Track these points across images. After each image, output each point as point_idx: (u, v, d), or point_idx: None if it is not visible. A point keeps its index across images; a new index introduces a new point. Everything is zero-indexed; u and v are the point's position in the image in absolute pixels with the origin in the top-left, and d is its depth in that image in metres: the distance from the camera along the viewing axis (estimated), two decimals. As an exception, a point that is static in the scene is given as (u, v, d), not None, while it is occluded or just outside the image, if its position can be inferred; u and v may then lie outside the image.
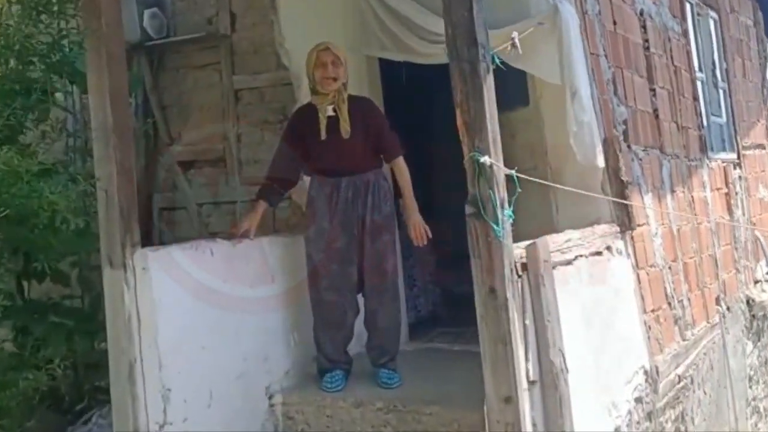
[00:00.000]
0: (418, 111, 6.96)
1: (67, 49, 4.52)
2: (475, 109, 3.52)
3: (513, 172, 3.59)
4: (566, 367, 3.70)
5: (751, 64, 9.33)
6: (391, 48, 5.35)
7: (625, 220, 5.10)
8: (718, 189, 7.37)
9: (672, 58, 6.63)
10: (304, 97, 5.33)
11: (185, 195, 6.47)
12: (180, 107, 6.48)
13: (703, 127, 7.20)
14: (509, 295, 3.50)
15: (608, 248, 4.88)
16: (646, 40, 6.19)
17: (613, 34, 5.65)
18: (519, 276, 3.63)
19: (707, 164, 7.15)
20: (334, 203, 4.68)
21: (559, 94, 4.81)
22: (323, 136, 4.62)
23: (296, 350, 4.91)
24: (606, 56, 5.41)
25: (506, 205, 3.57)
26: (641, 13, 6.24)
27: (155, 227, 6.37)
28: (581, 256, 4.31)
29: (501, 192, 3.56)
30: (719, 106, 8.01)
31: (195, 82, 6.43)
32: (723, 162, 7.70)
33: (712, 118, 7.76)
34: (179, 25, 6.39)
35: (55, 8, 4.57)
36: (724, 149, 8.01)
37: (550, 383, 3.63)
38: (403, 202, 4.79)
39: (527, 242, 3.76)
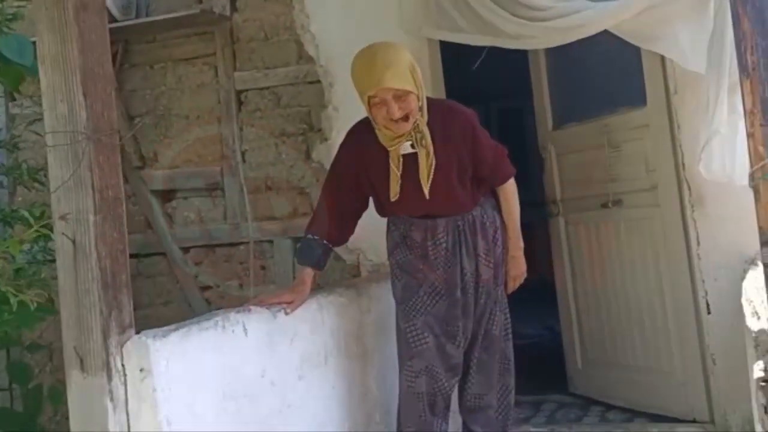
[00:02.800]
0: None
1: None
2: None
3: None
4: None
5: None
6: (470, 29, 3.86)
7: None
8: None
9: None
10: (338, 98, 4.02)
11: (164, 236, 4.61)
12: (156, 116, 4.66)
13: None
14: None
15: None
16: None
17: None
18: None
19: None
20: (430, 254, 3.08)
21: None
22: (396, 191, 2.99)
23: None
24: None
25: None
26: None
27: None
28: None
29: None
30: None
31: (179, 81, 4.62)
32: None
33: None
34: (155, 2, 4.58)
35: None
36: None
37: None
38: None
39: None
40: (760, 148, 1.98)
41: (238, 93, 4.51)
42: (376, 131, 2.95)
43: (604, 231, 4.10)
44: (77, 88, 2.21)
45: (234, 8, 4.50)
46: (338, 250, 3.96)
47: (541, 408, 4.28)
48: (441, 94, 4.10)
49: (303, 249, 3.06)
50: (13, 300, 2.05)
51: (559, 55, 4.09)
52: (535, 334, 5.81)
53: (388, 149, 2.94)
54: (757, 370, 2.12)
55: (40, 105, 2.29)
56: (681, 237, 3.72)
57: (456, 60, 4.22)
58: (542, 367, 4.81)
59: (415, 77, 2.84)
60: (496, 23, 3.72)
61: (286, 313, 2.83)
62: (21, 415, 3.50)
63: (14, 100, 4.07)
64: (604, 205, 4.02)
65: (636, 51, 3.71)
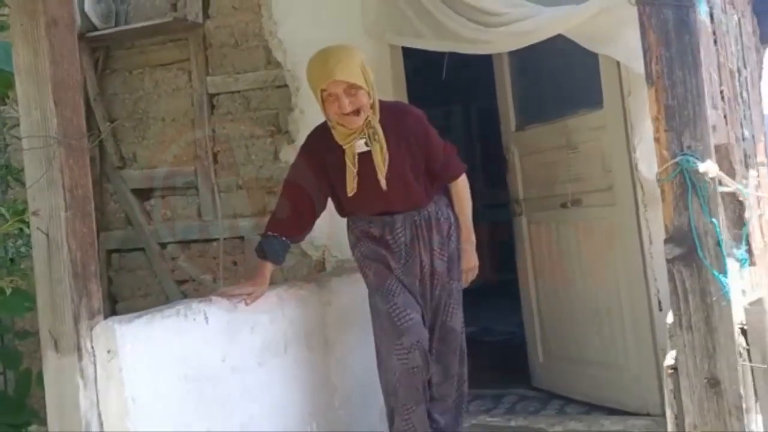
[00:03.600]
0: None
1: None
2: (686, 84, 2.14)
3: (741, 186, 2.17)
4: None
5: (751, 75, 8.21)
6: (430, 35, 4.02)
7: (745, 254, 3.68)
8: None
9: (726, 54, 5.31)
10: (304, 102, 4.19)
11: (143, 232, 4.88)
12: (135, 119, 4.92)
13: (744, 139, 5.92)
14: (741, 390, 2.10)
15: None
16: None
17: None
18: (740, 355, 2.21)
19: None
20: (391, 247, 3.31)
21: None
22: (353, 187, 3.21)
23: (317, 445, 3.47)
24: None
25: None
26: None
27: (101, 276, 4.66)
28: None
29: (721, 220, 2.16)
30: (744, 117, 6.78)
31: (155, 85, 4.88)
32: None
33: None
34: (133, 11, 4.81)
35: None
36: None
37: None
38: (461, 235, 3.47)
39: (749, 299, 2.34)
40: (665, 152, 2.20)
41: (211, 97, 4.72)
42: (332, 130, 3.18)
43: (563, 230, 4.23)
44: (49, 96, 2.48)
45: (206, 16, 4.69)
46: (304, 246, 4.24)
47: (501, 401, 4.44)
48: (403, 97, 4.28)
49: (263, 244, 3.26)
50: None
51: (521, 58, 4.25)
52: (507, 331, 6.04)
53: (344, 147, 3.17)
54: (669, 359, 2.38)
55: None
56: (635, 236, 3.86)
57: (434, 61, 4.39)
58: (508, 362, 5.04)
59: (365, 75, 3.09)
60: (455, 29, 3.88)
61: (246, 304, 3.08)
62: (11, 397, 3.75)
63: (5, 104, 4.31)
64: (564, 205, 4.17)
65: (594, 54, 3.83)
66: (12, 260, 2.77)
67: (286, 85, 4.44)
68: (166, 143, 4.79)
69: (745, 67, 6.94)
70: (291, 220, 3.29)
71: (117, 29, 4.75)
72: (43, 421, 3.67)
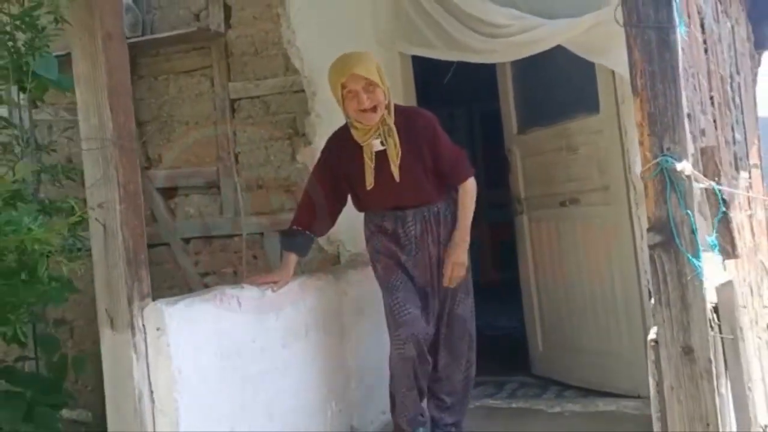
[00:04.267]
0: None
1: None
2: (667, 96, 2.45)
3: (713, 184, 2.50)
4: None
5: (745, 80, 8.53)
6: (439, 45, 4.32)
7: (728, 248, 4.02)
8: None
9: (718, 61, 5.63)
10: (320, 106, 4.48)
11: (167, 229, 5.21)
12: (160, 122, 5.24)
13: (736, 142, 6.24)
14: (711, 356, 2.42)
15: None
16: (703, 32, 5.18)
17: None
18: (711, 328, 2.55)
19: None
20: (402, 240, 3.63)
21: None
22: (370, 182, 3.54)
23: (335, 422, 3.83)
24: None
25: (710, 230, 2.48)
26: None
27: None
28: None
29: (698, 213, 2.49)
30: (736, 122, 7.11)
31: (180, 91, 5.20)
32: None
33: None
34: (159, 21, 5.15)
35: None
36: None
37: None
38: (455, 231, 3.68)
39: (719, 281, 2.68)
40: (647, 153, 2.52)
41: (232, 101, 5.00)
42: (351, 130, 3.52)
43: (562, 227, 4.51)
44: (105, 104, 2.83)
45: (228, 26, 4.99)
46: (320, 241, 4.53)
47: (504, 387, 4.74)
48: (413, 102, 4.59)
49: (288, 238, 3.63)
50: (65, 269, 2.71)
51: (523, 66, 4.51)
52: (509, 325, 6.32)
53: (362, 144, 3.50)
54: (652, 334, 2.72)
55: (59, 113, 2.85)
56: (629, 232, 4.13)
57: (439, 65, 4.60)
58: (510, 353, 5.34)
59: (381, 76, 3.44)
60: (462, 40, 4.17)
61: (273, 291, 3.43)
62: (49, 379, 3.93)
63: (36, 107, 4.61)
64: (563, 204, 4.45)
65: (591, 63, 4.07)
66: (71, 250, 3.10)
67: (303, 91, 4.72)
68: (190, 145, 5.09)
69: (739, 73, 7.31)
70: (314, 216, 3.63)
71: (144, 38, 5.05)
72: (76, 405, 3.98)
